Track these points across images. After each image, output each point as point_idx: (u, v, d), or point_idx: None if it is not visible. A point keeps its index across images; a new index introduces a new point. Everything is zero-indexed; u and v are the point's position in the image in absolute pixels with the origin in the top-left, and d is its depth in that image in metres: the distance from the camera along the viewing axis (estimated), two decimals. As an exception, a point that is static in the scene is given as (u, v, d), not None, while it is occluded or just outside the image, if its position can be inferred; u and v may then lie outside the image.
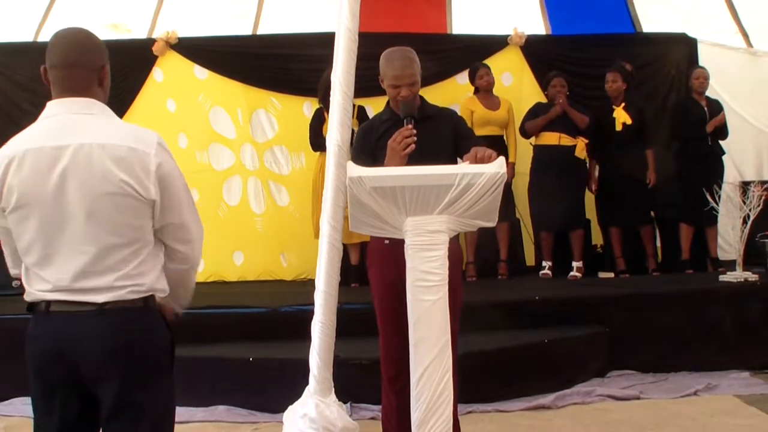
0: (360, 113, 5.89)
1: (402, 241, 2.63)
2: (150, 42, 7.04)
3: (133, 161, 2.04)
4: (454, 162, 3.24)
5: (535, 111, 6.37)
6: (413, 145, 2.93)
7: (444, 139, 3.18)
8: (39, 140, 2.05)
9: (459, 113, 6.46)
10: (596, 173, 6.44)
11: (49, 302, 2.06)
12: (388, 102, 3.35)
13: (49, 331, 2.05)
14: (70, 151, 2.02)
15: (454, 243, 2.67)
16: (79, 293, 2.04)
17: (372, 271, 3.29)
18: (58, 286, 2.04)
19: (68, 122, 2.07)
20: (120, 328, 2.06)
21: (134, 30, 7.47)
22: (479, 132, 6.39)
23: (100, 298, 2.04)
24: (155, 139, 2.11)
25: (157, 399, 2.14)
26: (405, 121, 3.02)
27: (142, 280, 2.09)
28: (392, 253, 2.98)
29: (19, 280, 2.16)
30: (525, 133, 6.39)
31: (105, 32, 7.27)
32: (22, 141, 2.07)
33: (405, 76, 3.14)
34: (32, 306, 2.10)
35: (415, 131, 2.95)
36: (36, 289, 2.07)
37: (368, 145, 3.20)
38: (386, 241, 3.02)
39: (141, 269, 2.09)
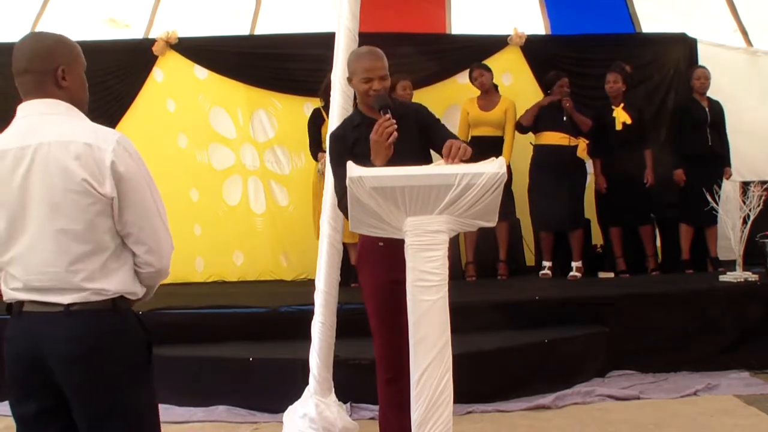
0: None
1: (396, 242, 2.62)
2: (150, 42, 7.04)
3: (88, 157, 2.04)
4: (428, 156, 3.22)
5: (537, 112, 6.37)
6: (396, 133, 2.90)
7: (413, 134, 3.13)
8: (6, 142, 2.08)
9: (460, 114, 6.54)
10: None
11: (21, 302, 2.09)
12: (355, 106, 3.32)
13: (22, 331, 2.08)
14: (30, 151, 2.05)
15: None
16: (46, 293, 2.06)
17: (363, 273, 3.26)
18: (28, 285, 2.07)
19: (33, 123, 2.10)
20: (87, 330, 2.06)
21: (132, 25, 7.44)
22: (474, 132, 6.43)
23: (66, 299, 2.05)
24: (115, 138, 2.09)
25: (129, 400, 2.12)
26: (381, 112, 2.99)
27: (106, 284, 2.08)
28: (385, 254, 2.98)
29: None
30: (521, 127, 6.38)
31: (103, 28, 7.27)
32: None
33: (377, 68, 3.13)
34: (9, 307, 2.14)
35: (393, 120, 2.92)
36: (10, 288, 2.11)
37: (344, 153, 3.09)
38: (380, 243, 3.00)
39: (104, 271, 2.09)
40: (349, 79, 3.25)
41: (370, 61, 3.14)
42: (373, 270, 3.16)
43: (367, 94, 3.13)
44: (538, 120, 6.32)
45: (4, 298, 2.14)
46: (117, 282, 2.11)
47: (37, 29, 7.13)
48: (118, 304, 2.12)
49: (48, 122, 2.09)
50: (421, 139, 3.15)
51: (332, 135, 3.32)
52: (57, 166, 2.04)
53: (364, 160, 2.90)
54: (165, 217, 2.21)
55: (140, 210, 2.12)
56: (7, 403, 4.74)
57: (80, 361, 2.04)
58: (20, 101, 2.18)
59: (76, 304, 2.05)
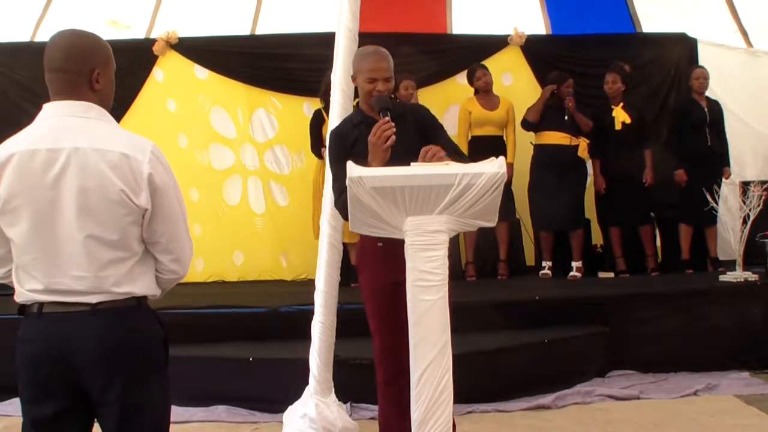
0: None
1: (396, 243, 2.62)
2: (150, 42, 7.04)
3: (126, 168, 2.04)
4: None
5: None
6: (393, 137, 2.88)
7: (412, 135, 3.11)
8: (35, 142, 2.05)
9: (458, 113, 6.53)
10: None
11: (41, 304, 2.06)
12: (356, 104, 3.30)
13: (43, 332, 2.06)
14: (65, 154, 2.02)
15: None
16: (71, 294, 2.05)
17: (363, 274, 3.26)
18: (50, 287, 2.05)
19: (63, 124, 2.07)
20: (115, 327, 2.07)
21: (133, 27, 7.46)
22: (476, 132, 6.42)
23: (92, 299, 2.05)
24: (149, 148, 2.10)
25: (155, 397, 2.16)
26: (381, 114, 2.98)
27: (132, 288, 2.10)
28: (385, 255, 2.97)
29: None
30: (526, 124, 6.37)
31: (104, 29, 7.27)
32: (18, 142, 2.08)
33: (381, 69, 3.11)
34: (24, 308, 2.11)
35: (392, 123, 2.91)
36: (27, 289, 2.08)
37: (343, 152, 3.10)
38: (379, 243, 3.00)
39: (131, 276, 2.10)
40: (353, 77, 3.24)
41: (375, 62, 3.13)
42: (373, 271, 3.16)
43: (370, 95, 3.12)
44: (540, 119, 6.32)
45: (19, 299, 2.10)
46: (141, 286, 2.13)
47: (39, 31, 7.16)
48: (141, 302, 2.14)
49: (82, 126, 2.07)
50: (420, 140, 3.11)
51: (332, 133, 3.32)
52: (94, 174, 2.02)
53: (362, 160, 2.90)
54: (188, 225, 2.23)
55: (170, 220, 2.14)
56: (7, 402, 4.75)
57: (109, 357, 2.04)
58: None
59: (102, 303, 2.06)
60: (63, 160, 2.02)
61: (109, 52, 2.18)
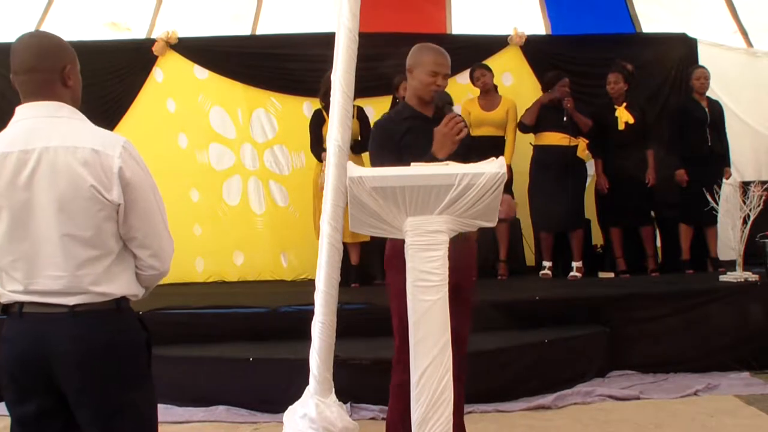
0: (359, 113, 5.90)
1: None
2: (150, 42, 7.05)
3: (96, 164, 2.05)
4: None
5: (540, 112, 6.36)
6: (466, 130, 2.95)
7: None
8: (8, 145, 2.06)
9: (460, 113, 6.53)
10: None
11: (22, 304, 2.08)
12: (402, 100, 3.33)
13: (24, 332, 2.07)
14: (35, 154, 2.03)
15: (470, 241, 2.66)
16: (50, 296, 2.06)
17: (391, 273, 3.26)
18: (29, 288, 2.06)
19: (35, 126, 2.08)
20: (92, 330, 2.07)
21: (133, 28, 7.48)
22: (475, 132, 6.40)
23: (71, 301, 2.05)
24: (121, 143, 2.10)
25: (136, 400, 2.15)
26: (446, 108, 3.05)
27: (110, 288, 2.10)
28: None
29: None
30: (524, 126, 6.37)
31: (104, 31, 7.29)
32: None
33: (444, 65, 3.18)
34: (6, 308, 2.12)
35: (462, 117, 2.97)
36: (8, 290, 2.10)
37: (389, 144, 3.15)
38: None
39: (108, 275, 2.10)
40: (409, 70, 3.27)
41: (439, 56, 3.18)
42: (399, 269, 3.15)
43: (428, 88, 3.16)
44: (538, 120, 6.32)
45: (2, 300, 2.12)
46: (120, 285, 2.13)
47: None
48: (121, 304, 2.14)
49: (53, 126, 2.08)
50: (458, 146, 3.15)
51: (378, 126, 3.34)
52: (64, 172, 2.03)
53: (415, 152, 2.93)
54: (166, 220, 2.22)
55: (145, 215, 2.13)
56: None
57: (86, 360, 2.04)
58: (20, 101, 2.16)
59: (80, 305, 2.06)
60: (34, 160, 2.03)
61: (73, 50, 2.21)
